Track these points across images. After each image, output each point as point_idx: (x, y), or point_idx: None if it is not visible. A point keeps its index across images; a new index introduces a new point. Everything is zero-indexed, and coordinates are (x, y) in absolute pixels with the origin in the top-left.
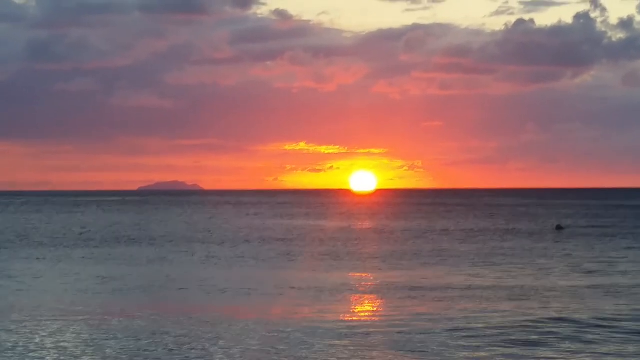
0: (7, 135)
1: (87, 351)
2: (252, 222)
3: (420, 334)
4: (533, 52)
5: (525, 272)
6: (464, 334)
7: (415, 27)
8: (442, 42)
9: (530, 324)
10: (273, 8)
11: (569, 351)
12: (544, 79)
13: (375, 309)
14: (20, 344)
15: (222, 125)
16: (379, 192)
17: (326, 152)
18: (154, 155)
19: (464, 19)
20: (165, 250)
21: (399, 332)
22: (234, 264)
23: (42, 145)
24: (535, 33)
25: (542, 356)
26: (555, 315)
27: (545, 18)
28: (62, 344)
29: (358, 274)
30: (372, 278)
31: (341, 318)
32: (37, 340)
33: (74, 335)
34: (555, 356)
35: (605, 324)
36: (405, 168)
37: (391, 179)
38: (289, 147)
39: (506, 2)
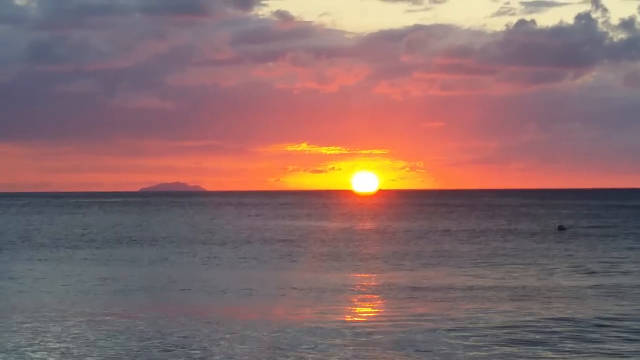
0: (8, 137)
1: (89, 352)
2: (254, 223)
3: (423, 334)
4: (534, 52)
5: (527, 273)
6: (466, 334)
7: (417, 28)
8: (444, 42)
9: (533, 324)
10: (274, 9)
11: (571, 351)
12: (545, 79)
13: (377, 309)
14: (23, 344)
15: (224, 126)
16: (381, 193)
17: (328, 153)
18: (155, 156)
19: (466, 19)
20: (167, 251)
21: (401, 332)
22: (236, 264)
23: (43, 147)
24: (536, 34)
25: (544, 356)
26: (557, 315)
27: (546, 19)
28: (64, 344)
29: (360, 275)
30: (374, 279)
31: (343, 318)
32: (39, 341)
33: (76, 336)
34: (557, 356)
35: (607, 323)
36: (407, 169)
37: (393, 180)
38: (291, 147)
39: (507, 3)
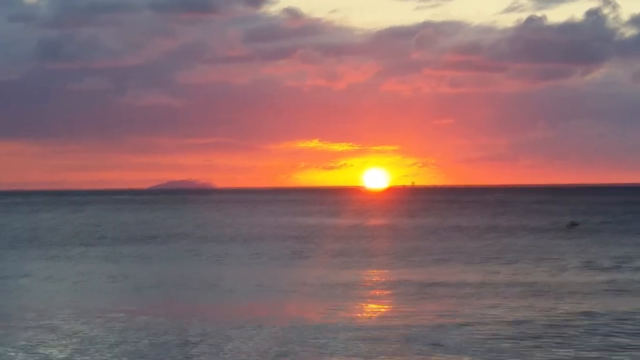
0: (19, 135)
1: (100, 349)
2: (265, 220)
3: (434, 329)
4: (544, 49)
5: (539, 269)
6: (478, 330)
7: (426, 25)
8: (453, 39)
9: (545, 319)
10: (284, 6)
11: (583, 345)
12: (554, 76)
13: (388, 305)
14: (35, 341)
15: (234, 123)
16: (392, 190)
17: (339, 149)
18: (165, 154)
19: (475, 16)
20: (178, 248)
21: (413, 327)
22: (247, 261)
23: (53, 145)
24: (546, 30)
25: (556, 350)
26: (570, 310)
27: (556, 15)
28: (75, 341)
29: (371, 271)
30: (385, 275)
31: (355, 314)
32: (51, 338)
33: (87, 333)
34: (569, 350)
35: (619, 317)
36: (417, 165)
37: (405, 176)
38: (302, 144)
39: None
